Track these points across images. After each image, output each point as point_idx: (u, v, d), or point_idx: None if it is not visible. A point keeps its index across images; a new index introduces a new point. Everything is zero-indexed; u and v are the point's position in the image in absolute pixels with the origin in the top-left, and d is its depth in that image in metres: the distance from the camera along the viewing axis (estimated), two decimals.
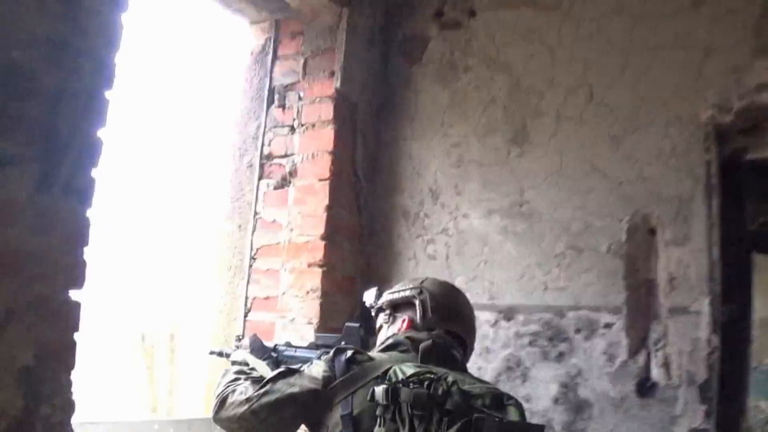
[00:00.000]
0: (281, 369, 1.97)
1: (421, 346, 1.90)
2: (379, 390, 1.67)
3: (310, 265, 3.12)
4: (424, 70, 3.41)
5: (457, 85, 3.29)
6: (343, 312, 3.09)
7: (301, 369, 1.92)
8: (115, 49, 1.95)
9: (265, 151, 3.35)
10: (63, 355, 1.75)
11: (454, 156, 3.25)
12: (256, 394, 1.90)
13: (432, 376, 1.67)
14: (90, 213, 1.85)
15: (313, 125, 3.24)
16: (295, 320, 3.09)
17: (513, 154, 3.09)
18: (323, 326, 3.00)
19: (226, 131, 3.46)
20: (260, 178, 3.33)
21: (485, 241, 3.10)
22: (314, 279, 3.10)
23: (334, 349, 1.93)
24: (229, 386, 2.01)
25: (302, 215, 3.18)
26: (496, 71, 3.20)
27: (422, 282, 2.16)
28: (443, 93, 3.33)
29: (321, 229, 3.12)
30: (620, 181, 2.84)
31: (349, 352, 1.88)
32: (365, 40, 3.41)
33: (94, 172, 1.87)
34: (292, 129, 3.30)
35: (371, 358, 1.89)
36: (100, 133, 1.89)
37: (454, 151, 3.25)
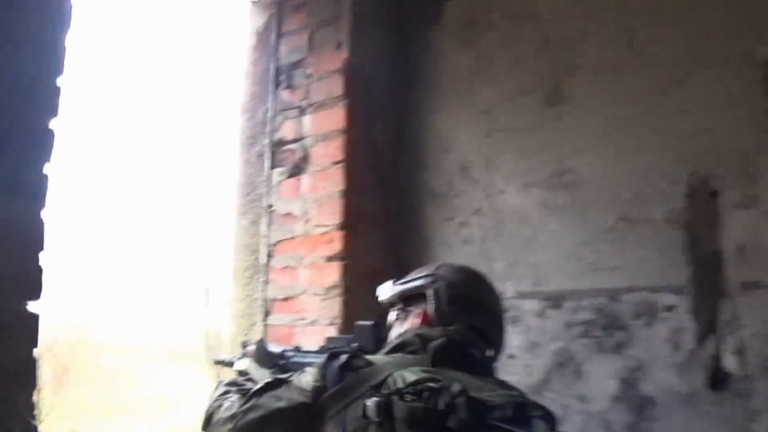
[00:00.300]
0: (268, 379, 1.70)
1: (431, 345, 1.61)
2: (371, 404, 1.38)
3: (329, 259, 2.85)
4: (443, 32, 3.12)
5: (480, 45, 2.99)
6: (370, 310, 2.82)
7: (290, 379, 1.64)
8: (65, 30, 1.77)
9: (275, 138, 3.09)
10: (19, 375, 1.58)
11: (483, 125, 2.95)
12: (240, 410, 1.63)
13: (433, 384, 1.37)
14: (44, 214, 1.67)
15: (323, 103, 2.97)
16: (316, 322, 2.83)
17: (549, 117, 2.76)
18: (348, 327, 2.74)
19: (233, 120, 3.24)
20: (272, 167, 3.08)
21: (525, 219, 2.79)
22: (334, 274, 2.83)
23: (327, 354, 1.64)
24: (216, 401, 1.78)
25: (317, 204, 2.92)
26: (523, 25, 2.89)
27: (437, 268, 1.87)
28: (466, 55, 3.03)
29: (338, 218, 2.85)
30: (673, 138, 2.47)
31: (344, 357, 1.58)
32: (376, 5, 3.13)
33: (47, 168, 1.69)
34: (302, 110, 3.04)
35: (370, 363, 1.57)
36: (52, 125, 1.71)
37: (483, 120, 2.95)
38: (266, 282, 3.00)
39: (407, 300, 1.87)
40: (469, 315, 1.77)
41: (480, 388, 1.42)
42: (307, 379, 1.60)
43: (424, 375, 1.42)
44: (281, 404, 1.58)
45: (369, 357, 1.61)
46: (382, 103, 3.11)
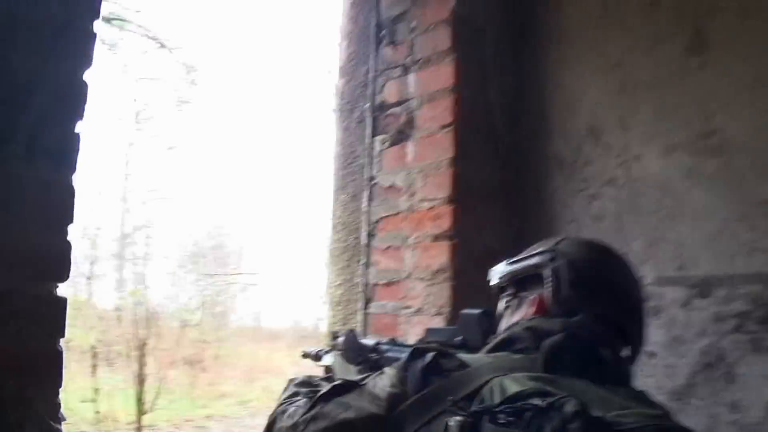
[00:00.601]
0: (336, 382, 1.50)
1: (545, 342, 1.33)
2: (454, 424, 1.16)
3: (436, 238, 2.71)
4: None
5: None
6: (483, 298, 2.66)
7: (364, 382, 1.44)
8: None
9: (377, 101, 2.98)
10: (40, 369, 1.51)
11: (615, 80, 2.74)
12: (302, 419, 1.44)
13: (539, 402, 1.11)
14: (74, 180, 1.60)
15: (429, 59, 2.83)
16: (421, 310, 2.70)
17: (692, 67, 2.52)
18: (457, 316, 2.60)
19: (332, 85, 3.17)
20: (373, 134, 2.98)
21: (666, 189, 2.57)
22: (442, 255, 2.68)
23: (409, 351, 1.42)
24: (281, 405, 1.58)
25: (423, 174, 2.78)
26: None
27: (557, 243, 1.61)
28: (593, 0, 2.82)
29: (446, 191, 2.71)
30: None
31: (429, 356, 1.36)
32: None
33: (79, 127, 1.61)
34: (406, 69, 2.91)
35: (464, 365, 1.34)
36: (86, 76, 1.63)
37: (615, 74, 2.74)
38: (367, 265, 2.91)
39: (520, 283, 1.65)
40: (599, 302, 1.52)
41: (607, 405, 1.16)
42: (383, 383, 1.40)
43: (530, 385, 1.19)
44: (349, 414, 1.39)
45: (465, 356, 1.39)
46: (496, 58, 2.94)
